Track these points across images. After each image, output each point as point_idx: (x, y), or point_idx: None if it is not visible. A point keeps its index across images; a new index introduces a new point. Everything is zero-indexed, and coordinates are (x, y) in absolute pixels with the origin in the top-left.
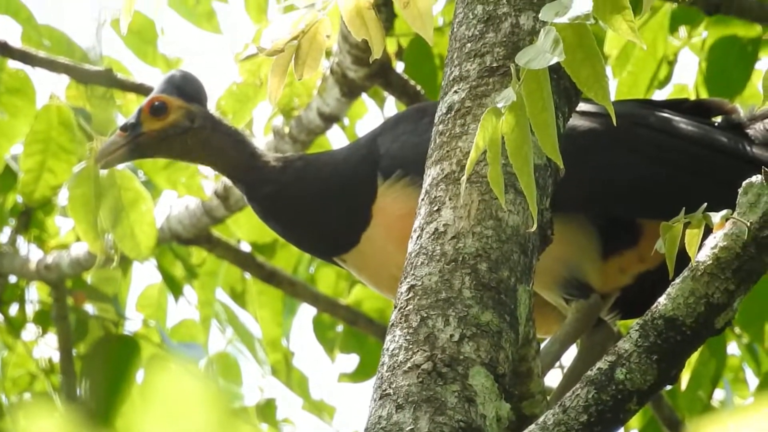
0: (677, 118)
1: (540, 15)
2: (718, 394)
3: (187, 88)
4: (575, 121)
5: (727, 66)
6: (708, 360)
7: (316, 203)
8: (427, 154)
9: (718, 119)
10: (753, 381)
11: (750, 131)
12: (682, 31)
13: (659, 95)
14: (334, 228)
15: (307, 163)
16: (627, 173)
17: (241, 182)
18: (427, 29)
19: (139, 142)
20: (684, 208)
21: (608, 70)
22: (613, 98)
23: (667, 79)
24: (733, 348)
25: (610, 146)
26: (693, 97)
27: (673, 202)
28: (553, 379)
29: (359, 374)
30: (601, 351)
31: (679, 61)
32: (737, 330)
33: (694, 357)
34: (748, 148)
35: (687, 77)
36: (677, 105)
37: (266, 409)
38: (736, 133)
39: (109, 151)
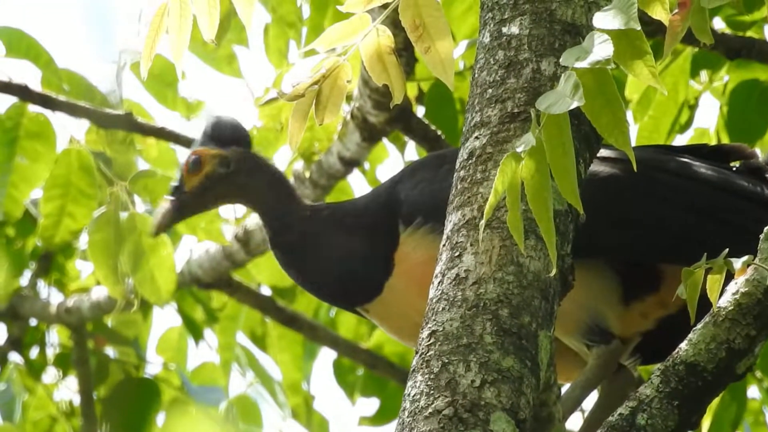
0: (696, 163)
1: (561, 60)
2: None
3: (221, 134)
4: (595, 167)
5: (749, 110)
6: (729, 404)
7: (338, 253)
8: (449, 200)
9: (737, 164)
10: None
11: None
12: (704, 75)
13: (680, 139)
14: (356, 278)
15: (332, 212)
16: (647, 219)
17: (268, 226)
18: (448, 75)
19: (182, 202)
20: (705, 253)
21: (629, 115)
22: (633, 143)
23: (689, 123)
24: (753, 392)
25: (629, 192)
26: (714, 141)
27: (693, 247)
28: (574, 423)
29: (379, 418)
30: (622, 396)
31: (700, 105)
32: (758, 374)
33: (715, 401)
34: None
35: (708, 121)
36: (696, 150)
37: None
38: (755, 178)
39: (159, 220)
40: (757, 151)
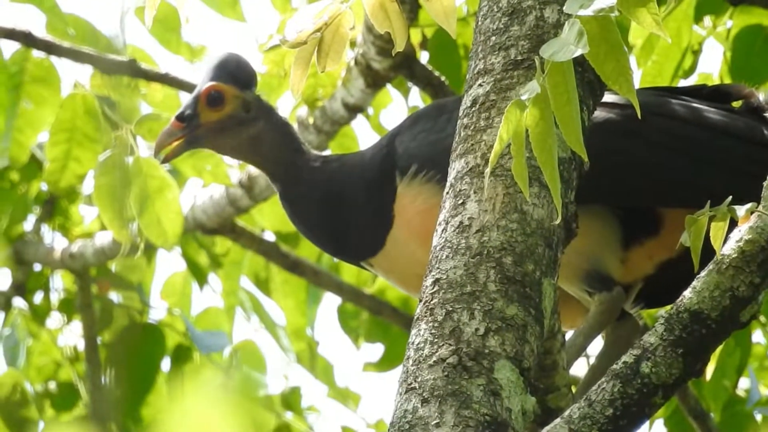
0: (696, 105)
1: (565, 8)
2: (743, 383)
3: (240, 75)
4: (597, 113)
5: (752, 55)
6: (733, 350)
7: (343, 208)
8: (452, 147)
9: (738, 104)
10: None
11: None
12: (707, 20)
13: (684, 84)
14: (359, 232)
15: (342, 164)
16: (647, 164)
17: (279, 180)
18: (450, 23)
19: (196, 135)
20: (707, 198)
21: (632, 60)
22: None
23: (692, 68)
24: (758, 336)
25: (627, 136)
26: None
27: (693, 190)
28: (578, 370)
29: (384, 363)
30: (627, 344)
31: (703, 51)
32: (762, 319)
33: (719, 347)
34: None
35: (712, 66)
36: (696, 92)
37: (291, 397)
38: (756, 119)
39: (166, 143)
40: (756, 91)
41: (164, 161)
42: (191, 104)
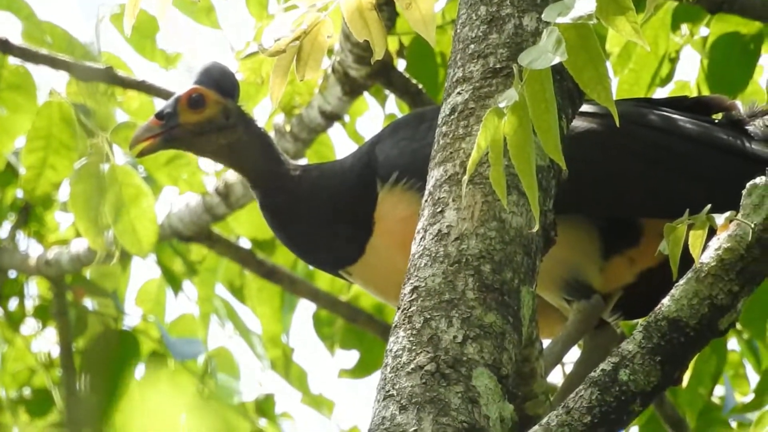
0: (676, 117)
1: (543, 15)
2: (719, 391)
3: (224, 83)
4: (575, 122)
5: (729, 63)
6: (708, 357)
7: (323, 216)
8: (431, 155)
9: (719, 116)
10: (753, 377)
11: (750, 128)
12: (684, 28)
13: (661, 93)
14: (340, 240)
15: (321, 173)
16: (627, 174)
17: (259, 188)
18: (429, 31)
19: (174, 134)
20: (687, 208)
21: (609, 68)
22: (614, 96)
23: (669, 76)
24: (733, 344)
25: (608, 146)
26: (695, 95)
27: (673, 201)
28: (555, 378)
29: (359, 370)
30: (605, 353)
31: (681, 59)
32: (738, 326)
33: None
34: (749, 146)
35: (689, 75)
36: (677, 103)
37: (265, 404)
38: (736, 130)
39: (143, 138)
40: (738, 103)
41: (139, 155)
42: (172, 104)
